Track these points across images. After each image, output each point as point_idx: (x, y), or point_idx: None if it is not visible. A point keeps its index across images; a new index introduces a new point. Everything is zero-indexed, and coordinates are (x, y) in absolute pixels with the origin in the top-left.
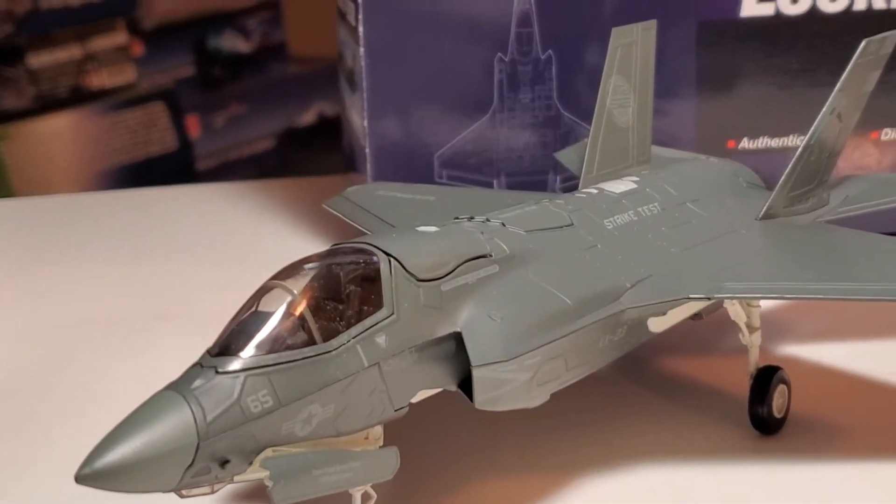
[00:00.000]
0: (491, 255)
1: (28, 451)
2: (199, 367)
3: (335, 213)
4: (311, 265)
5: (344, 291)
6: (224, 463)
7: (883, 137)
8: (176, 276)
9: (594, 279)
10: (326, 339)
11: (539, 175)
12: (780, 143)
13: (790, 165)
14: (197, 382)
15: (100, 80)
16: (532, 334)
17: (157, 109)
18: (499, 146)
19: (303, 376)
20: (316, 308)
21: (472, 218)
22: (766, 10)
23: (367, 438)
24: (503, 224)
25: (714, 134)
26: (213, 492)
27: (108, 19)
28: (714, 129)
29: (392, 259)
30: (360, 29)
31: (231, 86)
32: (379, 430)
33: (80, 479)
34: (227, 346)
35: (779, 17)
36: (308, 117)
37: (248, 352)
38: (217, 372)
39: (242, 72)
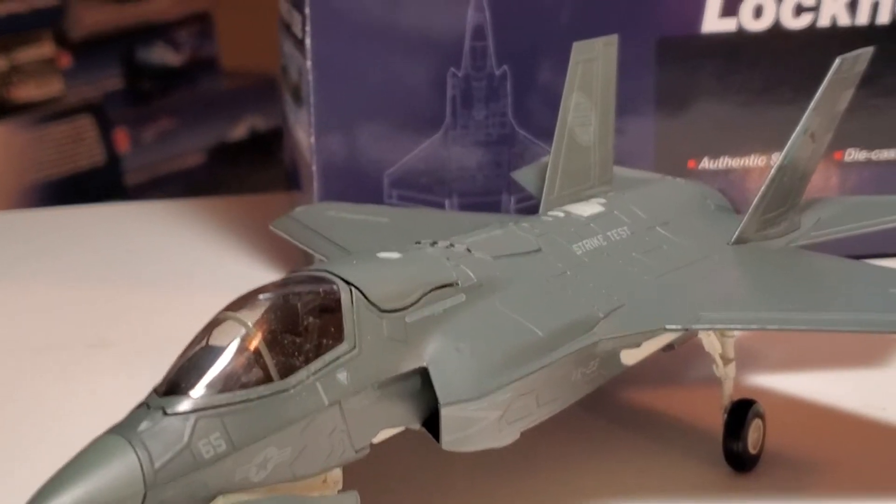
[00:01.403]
0: (457, 284)
1: None
2: (145, 407)
3: (282, 234)
4: (265, 295)
5: (302, 324)
6: None
7: (847, 158)
8: (109, 301)
9: (566, 309)
10: (284, 375)
11: (493, 195)
12: (742, 164)
13: (763, 187)
14: (143, 425)
15: (26, 92)
16: (503, 369)
17: (85, 123)
18: (451, 165)
19: (258, 417)
20: (272, 342)
21: (434, 243)
22: (729, 25)
23: (325, 482)
24: (468, 249)
25: (674, 153)
26: None
27: (34, 30)
28: (674, 148)
29: (353, 288)
30: (308, 41)
31: (161, 99)
32: (338, 472)
33: None
34: (175, 384)
35: (741, 34)
36: (239, 132)
37: (199, 391)
38: (165, 413)
39: (172, 85)
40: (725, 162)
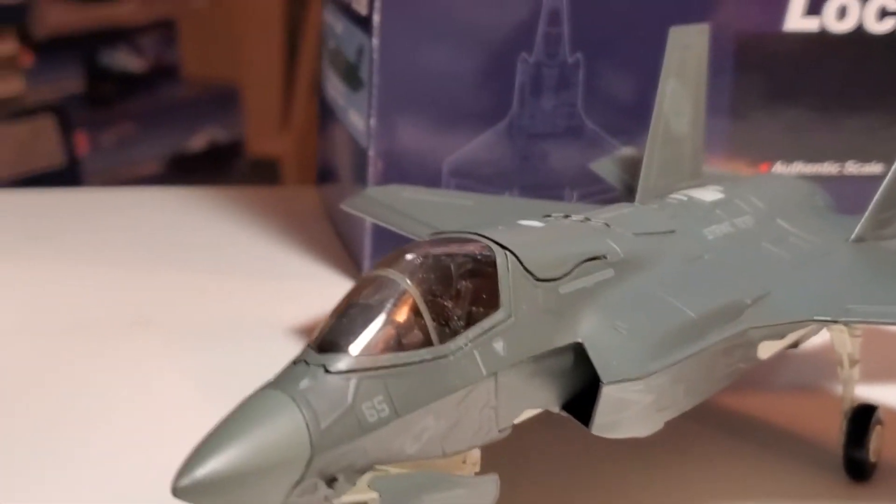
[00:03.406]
0: (605, 257)
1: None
2: (303, 363)
3: (357, 213)
4: (417, 253)
5: (456, 287)
6: (331, 481)
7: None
8: (150, 281)
9: (714, 292)
10: (443, 340)
11: (555, 190)
12: (815, 170)
13: (883, 186)
14: (305, 382)
15: None
16: (661, 350)
17: (46, 123)
18: (514, 155)
19: (420, 383)
20: (432, 303)
21: (567, 216)
22: (811, 25)
23: (464, 462)
24: (607, 224)
25: (746, 156)
26: None
27: None
28: (746, 150)
29: (509, 253)
30: (376, 18)
31: (121, 104)
32: (477, 453)
33: (179, 491)
34: (332, 341)
35: (823, 34)
36: (198, 143)
37: (359, 349)
38: (327, 370)
39: (133, 91)
40: (798, 168)
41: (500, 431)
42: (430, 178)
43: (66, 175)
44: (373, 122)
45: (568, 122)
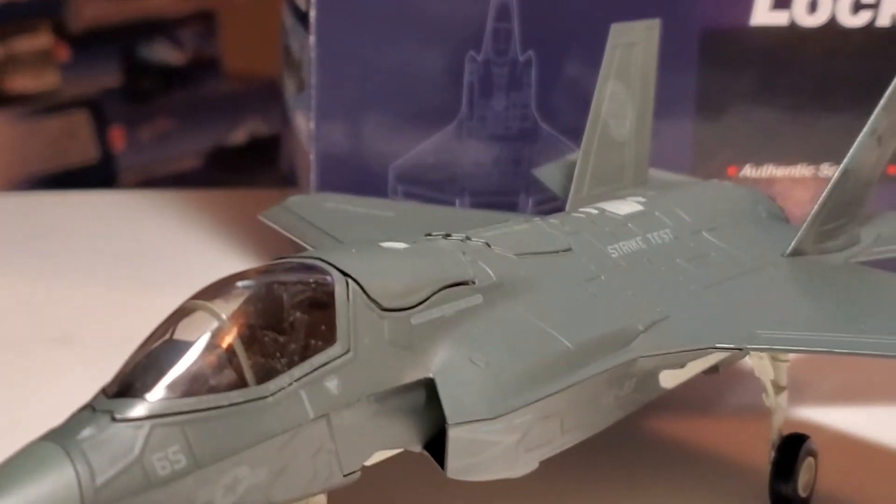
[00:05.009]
0: (474, 282)
1: None
2: (89, 410)
3: (273, 225)
4: (244, 283)
5: (287, 319)
6: None
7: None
8: (79, 294)
9: (600, 318)
10: (262, 380)
11: (509, 195)
12: (788, 173)
13: (823, 195)
14: (86, 432)
15: (21, 83)
16: (524, 385)
17: (80, 118)
18: (464, 160)
19: (228, 429)
20: (250, 339)
21: (448, 235)
22: (780, 19)
23: None
24: (488, 244)
25: (713, 158)
26: None
27: (31, 20)
28: (713, 152)
29: (350, 280)
30: (312, 13)
31: (160, 99)
32: (322, 499)
33: None
34: (128, 384)
35: (793, 29)
36: (239, 136)
37: (157, 393)
38: (114, 419)
39: (172, 85)
40: (769, 171)
41: (345, 476)
42: (377, 185)
43: (101, 171)
44: (312, 125)
45: (521, 123)
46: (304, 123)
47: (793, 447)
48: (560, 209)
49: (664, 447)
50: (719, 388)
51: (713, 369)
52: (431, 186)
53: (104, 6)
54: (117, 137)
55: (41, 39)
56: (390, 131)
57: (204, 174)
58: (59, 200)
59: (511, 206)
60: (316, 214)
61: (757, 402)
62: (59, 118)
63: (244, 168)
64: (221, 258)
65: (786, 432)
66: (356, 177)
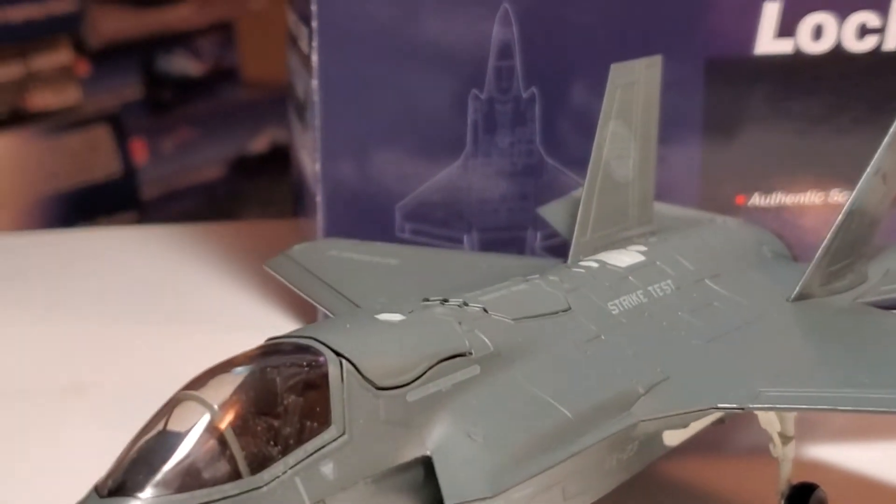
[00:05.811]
0: (471, 353)
1: None
2: None
3: (277, 276)
4: (236, 370)
5: (280, 404)
6: None
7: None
8: (91, 337)
9: (600, 384)
10: (256, 470)
11: (517, 231)
12: (797, 201)
13: (829, 235)
14: None
15: (42, 100)
16: (523, 459)
17: (102, 133)
18: (471, 197)
19: None
20: (243, 428)
21: (445, 301)
22: (785, 46)
23: None
24: (485, 310)
25: (721, 188)
26: None
27: (51, 37)
28: (721, 181)
29: (344, 360)
30: (314, 57)
31: (180, 110)
32: None
33: None
34: (121, 482)
35: (798, 56)
36: (260, 145)
37: (150, 491)
38: None
39: (193, 95)
40: (778, 198)
41: None
42: (384, 224)
43: (124, 184)
44: (318, 166)
45: (526, 159)
46: (309, 163)
47: (801, 497)
48: (567, 244)
49: (670, 494)
50: (726, 431)
51: (719, 421)
52: (439, 224)
53: (122, 20)
54: (139, 150)
55: (61, 55)
56: (396, 170)
57: (226, 184)
58: (64, 239)
59: (519, 242)
60: (319, 264)
61: (765, 444)
62: (81, 133)
63: (267, 177)
64: (237, 296)
65: (794, 478)
66: (363, 217)
